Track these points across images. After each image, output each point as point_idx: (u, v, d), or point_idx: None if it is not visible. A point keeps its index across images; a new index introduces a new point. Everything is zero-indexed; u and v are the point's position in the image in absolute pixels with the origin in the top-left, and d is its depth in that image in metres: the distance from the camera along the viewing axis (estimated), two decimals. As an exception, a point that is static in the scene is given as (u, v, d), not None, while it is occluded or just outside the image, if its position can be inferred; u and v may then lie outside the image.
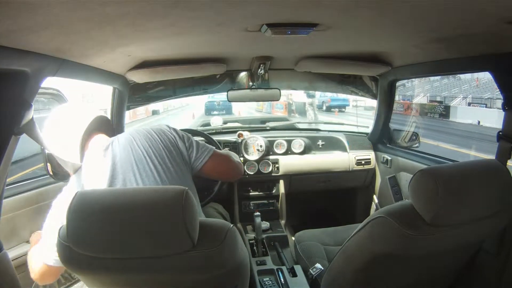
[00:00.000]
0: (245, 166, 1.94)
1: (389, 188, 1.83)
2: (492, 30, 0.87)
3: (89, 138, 0.99)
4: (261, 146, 1.93)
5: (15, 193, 1.21)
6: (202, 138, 1.74)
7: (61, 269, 0.90)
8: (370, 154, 2.03)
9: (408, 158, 1.75)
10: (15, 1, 0.54)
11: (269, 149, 1.97)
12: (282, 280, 1.35)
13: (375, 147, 2.04)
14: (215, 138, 1.76)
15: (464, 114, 13.13)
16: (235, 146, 1.95)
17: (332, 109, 14.45)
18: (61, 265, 0.86)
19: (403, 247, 0.80)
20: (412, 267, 0.90)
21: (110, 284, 0.78)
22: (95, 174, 0.92)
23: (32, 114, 0.86)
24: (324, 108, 14.81)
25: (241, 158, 1.93)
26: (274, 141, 1.99)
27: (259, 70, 1.70)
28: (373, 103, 2.01)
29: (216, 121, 2.27)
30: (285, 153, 1.99)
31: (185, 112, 17.01)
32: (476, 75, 17.34)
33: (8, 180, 0.96)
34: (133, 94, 1.79)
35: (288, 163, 1.99)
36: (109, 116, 1.56)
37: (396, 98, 1.97)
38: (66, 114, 0.99)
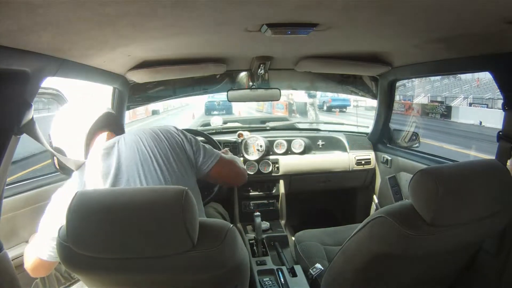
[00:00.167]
0: (245, 166, 1.94)
1: (389, 188, 1.83)
2: (492, 30, 0.87)
3: (95, 135, 0.99)
4: (261, 146, 1.93)
5: (15, 193, 1.21)
6: (202, 138, 1.74)
7: (54, 264, 0.91)
8: (370, 154, 2.03)
9: (408, 158, 1.75)
10: (15, 1, 0.54)
11: (269, 149, 1.97)
12: (282, 280, 1.35)
13: (375, 147, 2.04)
14: (215, 138, 1.76)
15: (466, 115, 13.12)
16: (235, 146, 1.95)
17: (333, 109, 14.44)
18: (55, 260, 0.88)
19: (403, 247, 0.80)
20: (412, 267, 0.90)
21: (110, 284, 0.78)
22: (99, 172, 0.91)
23: (32, 114, 0.86)
24: (325, 108, 14.80)
25: (241, 158, 1.93)
26: (274, 141, 2.00)
27: (259, 70, 1.70)
28: (374, 103, 2.01)
29: (216, 121, 2.27)
30: (285, 153, 2.00)
31: (185, 112, 17.02)
32: (477, 75, 17.33)
33: (8, 179, 0.97)
34: (133, 94, 1.79)
35: (288, 163, 1.99)
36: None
37: (397, 98, 1.98)
38: (74, 110, 1.00)
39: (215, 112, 12.94)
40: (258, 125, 2.61)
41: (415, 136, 1.89)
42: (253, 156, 1.94)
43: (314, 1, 0.72)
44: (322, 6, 0.76)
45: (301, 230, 1.55)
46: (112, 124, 1.05)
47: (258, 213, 1.60)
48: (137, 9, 0.69)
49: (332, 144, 2.06)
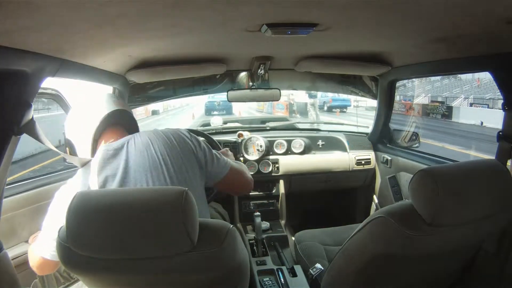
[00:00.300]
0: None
1: (389, 188, 1.83)
2: (492, 30, 0.87)
3: (105, 132, 0.96)
4: (261, 146, 1.93)
5: (14, 192, 1.21)
6: (203, 138, 1.74)
7: (58, 263, 0.90)
8: (370, 154, 2.03)
9: (408, 158, 1.75)
10: (15, 1, 0.54)
11: (269, 149, 1.97)
12: (282, 280, 1.35)
13: (375, 147, 2.04)
14: (215, 138, 1.76)
15: (467, 115, 13.10)
16: (235, 146, 1.95)
17: (334, 110, 14.43)
18: (58, 260, 0.87)
19: (403, 247, 0.80)
20: (412, 267, 0.90)
21: (110, 285, 0.78)
22: (104, 173, 0.88)
23: (32, 114, 0.86)
24: (326, 108, 14.79)
25: (241, 158, 1.93)
26: (274, 141, 2.00)
27: (259, 70, 1.70)
28: (374, 103, 2.01)
29: (216, 121, 2.27)
30: (285, 153, 2.00)
31: (185, 112, 17.01)
32: (477, 75, 17.32)
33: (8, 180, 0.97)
34: (133, 94, 1.79)
35: (288, 163, 1.99)
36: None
37: (398, 98, 1.98)
38: (87, 104, 0.97)
39: (215, 112, 12.93)
40: (258, 125, 2.61)
41: (415, 136, 1.88)
42: (253, 156, 1.94)
43: (314, 1, 0.72)
44: (322, 6, 0.76)
45: (301, 230, 1.55)
46: (125, 121, 1.01)
47: (258, 213, 1.60)
48: (137, 9, 0.69)
49: (332, 144, 2.06)
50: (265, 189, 2.02)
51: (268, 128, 2.37)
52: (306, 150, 2.01)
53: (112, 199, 0.68)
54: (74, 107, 0.99)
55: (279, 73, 1.91)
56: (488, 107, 14.04)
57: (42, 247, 0.88)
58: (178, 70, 1.51)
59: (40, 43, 0.78)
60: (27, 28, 0.67)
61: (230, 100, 1.81)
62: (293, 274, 1.37)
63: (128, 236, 0.66)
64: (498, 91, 1.06)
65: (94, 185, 0.89)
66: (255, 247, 1.58)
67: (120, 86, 1.54)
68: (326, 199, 2.30)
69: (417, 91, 19.27)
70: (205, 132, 1.76)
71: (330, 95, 13.56)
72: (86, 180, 0.90)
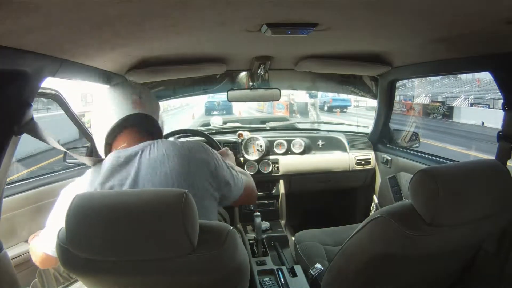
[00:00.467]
0: (245, 166, 1.94)
1: (389, 188, 1.83)
2: (492, 30, 0.87)
3: (120, 135, 0.88)
4: (261, 146, 1.93)
5: (14, 192, 1.21)
6: (202, 138, 1.74)
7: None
8: (370, 154, 2.03)
9: (408, 158, 1.75)
10: (15, 1, 0.54)
11: (269, 149, 1.97)
12: (282, 280, 1.35)
13: (375, 147, 2.04)
14: (215, 138, 1.76)
15: (467, 115, 13.11)
16: (235, 146, 1.95)
17: (334, 110, 14.43)
18: None
19: (403, 247, 0.80)
20: (412, 267, 0.90)
21: (109, 286, 0.77)
22: (112, 180, 0.83)
23: (32, 114, 0.86)
24: (326, 108, 14.79)
25: (241, 158, 1.94)
26: (274, 141, 2.00)
27: (259, 70, 1.70)
28: (375, 103, 2.01)
29: (216, 121, 2.28)
30: (285, 153, 2.00)
31: (185, 112, 17.01)
32: (478, 75, 17.33)
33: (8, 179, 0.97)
34: (133, 94, 1.78)
35: (288, 163, 1.99)
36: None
37: (398, 98, 1.98)
38: (104, 107, 0.90)
39: (215, 112, 12.94)
40: (258, 125, 2.62)
41: (415, 136, 1.88)
42: (253, 156, 1.94)
43: (314, 1, 0.72)
44: (322, 6, 0.76)
45: (301, 230, 1.55)
46: (148, 124, 0.92)
47: (258, 213, 1.60)
48: (137, 9, 0.69)
49: (332, 144, 2.06)
50: (265, 189, 2.02)
51: (268, 128, 2.37)
52: (306, 150, 2.01)
53: (112, 201, 0.67)
54: (96, 106, 0.92)
55: (279, 73, 1.91)
56: (488, 107, 14.04)
57: (44, 243, 0.88)
58: (178, 70, 1.51)
59: (40, 43, 0.78)
60: (27, 28, 0.67)
61: (230, 100, 1.81)
62: (293, 274, 1.37)
63: (128, 238, 0.65)
64: (498, 91, 1.06)
65: (99, 189, 0.84)
66: (255, 247, 1.58)
67: (120, 86, 1.54)
68: (326, 199, 2.30)
69: (417, 91, 19.27)
70: (205, 132, 1.76)
71: (331, 95, 13.58)
72: (94, 183, 0.85)
